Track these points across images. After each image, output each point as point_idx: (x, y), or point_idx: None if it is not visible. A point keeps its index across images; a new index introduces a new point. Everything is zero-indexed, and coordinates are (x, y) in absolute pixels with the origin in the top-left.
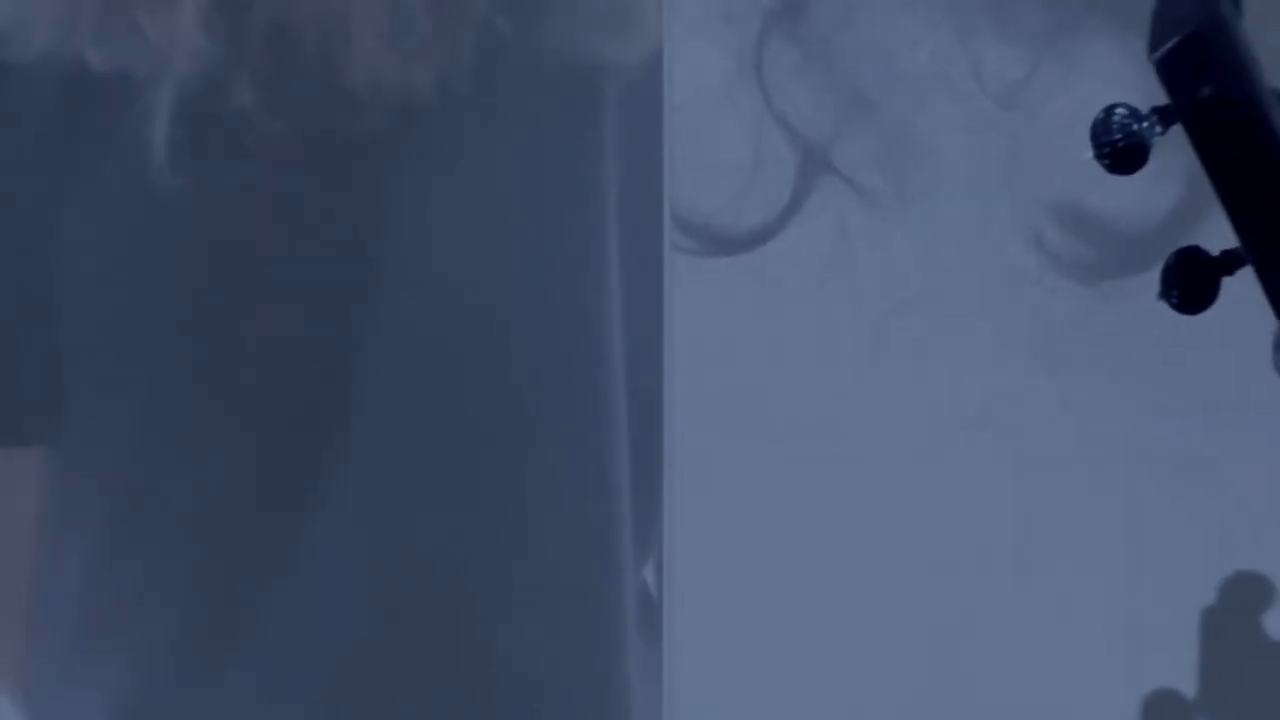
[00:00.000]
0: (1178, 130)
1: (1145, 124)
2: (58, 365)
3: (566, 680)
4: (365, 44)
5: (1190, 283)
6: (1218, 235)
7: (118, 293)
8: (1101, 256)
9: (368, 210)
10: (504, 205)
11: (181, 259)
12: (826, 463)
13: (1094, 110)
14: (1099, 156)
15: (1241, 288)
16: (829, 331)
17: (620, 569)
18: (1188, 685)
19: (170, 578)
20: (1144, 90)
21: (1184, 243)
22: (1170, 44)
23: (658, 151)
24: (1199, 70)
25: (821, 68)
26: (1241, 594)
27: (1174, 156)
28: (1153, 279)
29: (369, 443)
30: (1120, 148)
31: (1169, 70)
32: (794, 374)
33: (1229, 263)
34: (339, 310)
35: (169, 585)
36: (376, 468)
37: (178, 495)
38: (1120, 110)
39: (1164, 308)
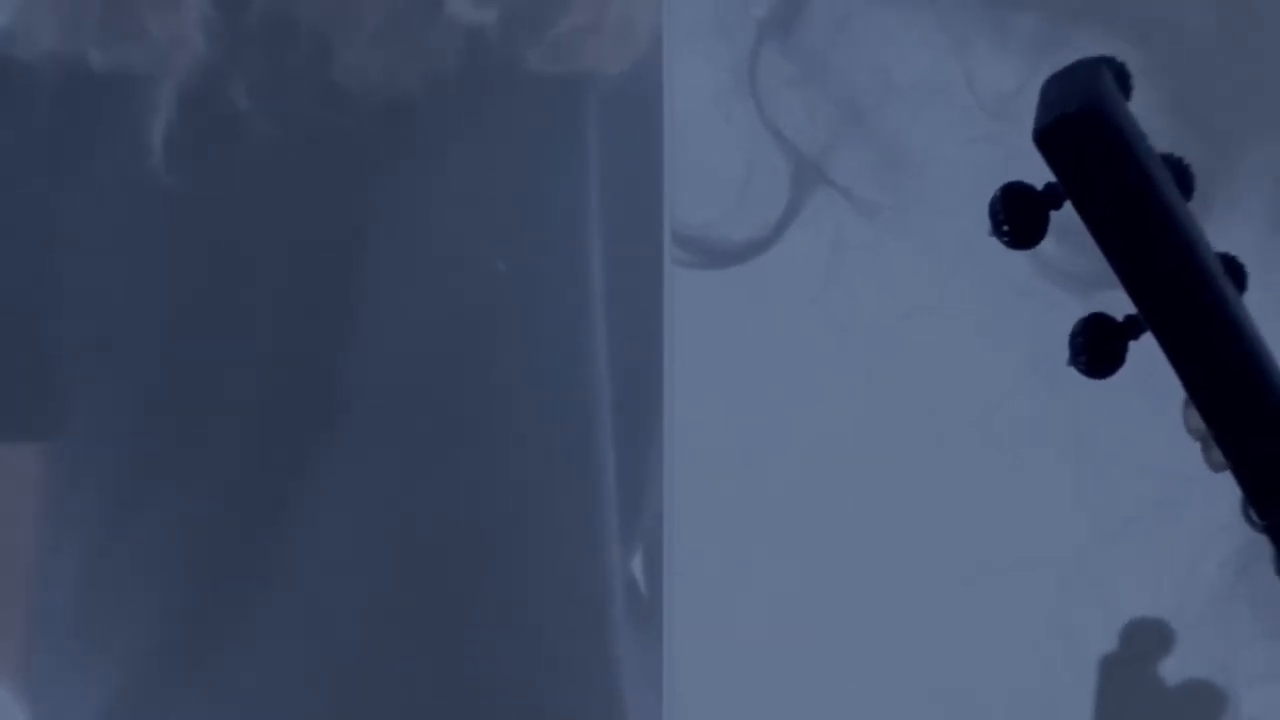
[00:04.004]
0: None
1: (1040, 200)
2: (57, 362)
3: (554, 670)
4: (357, 46)
5: (1097, 349)
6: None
7: (115, 290)
8: (1096, 266)
9: (358, 210)
10: (489, 204)
11: (178, 257)
12: (824, 470)
13: None
14: (996, 234)
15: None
16: (824, 342)
17: (606, 561)
18: (1185, 684)
19: (167, 572)
20: (1139, 96)
21: None
22: (1049, 122)
23: (652, 160)
24: (1078, 147)
25: (816, 79)
26: (1231, 589)
27: None
28: None
29: (359, 439)
30: (1017, 225)
31: (1052, 148)
32: (790, 383)
33: (1133, 328)
34: (329, 309)
35: (166, 579)
36: (366, 464)
37: (174, 490)
38: (1015, 188)
39: None
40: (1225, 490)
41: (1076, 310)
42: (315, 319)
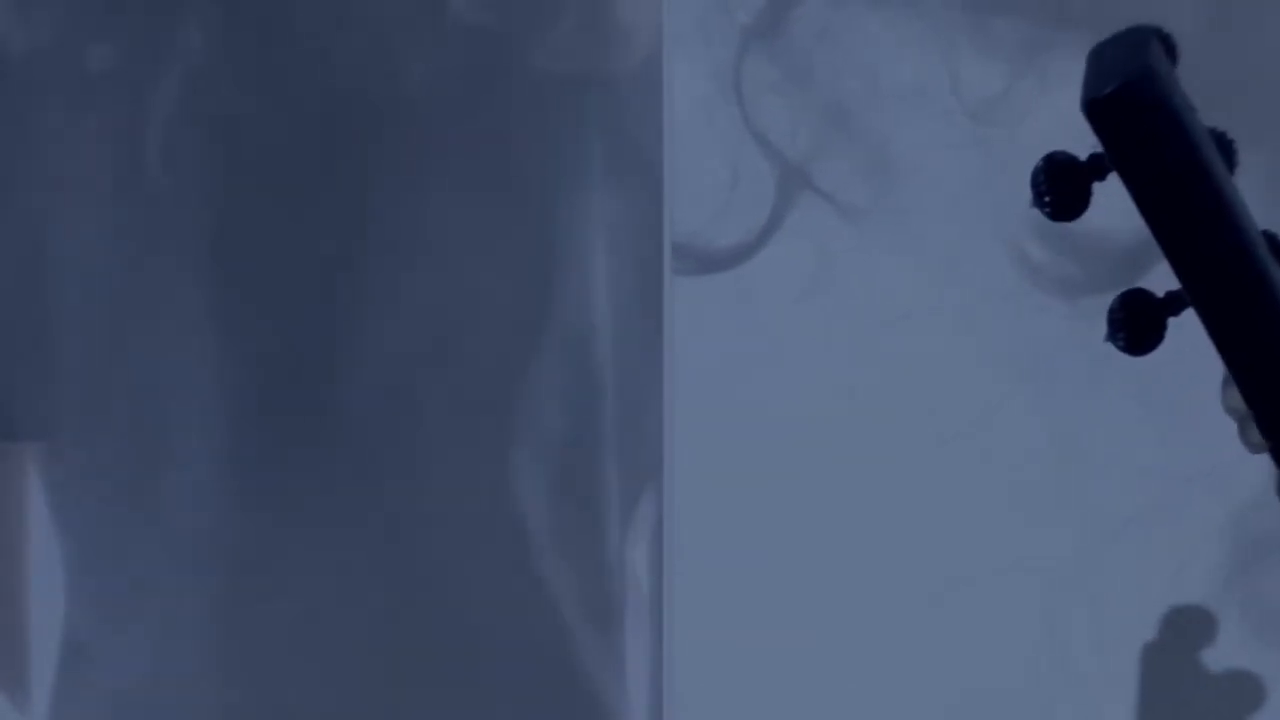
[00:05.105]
0: None
1: (1084, 171)
2: (56, 362)
3: (554, 670)
4: (358, 46)
5: (1136, 325)
6: (1166, 275)
7: (113, 289)
8: (1084, 271)
9: (357, 209)
10: (489, 204)
11: (175, 256)
12: (823, 471)
13: (1071, 125)
14: (1039, 205)
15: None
16: (820, 344)
17: (606, 561)
18: (1179, 685)
19: (165, 572)
20: None
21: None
22: (1102, 93)
23: (651, 160)
24: (1130, 119)
25: (801, 85)
26: (1221, 594)
27: None
28: None
29: (358, 438)
30: (1060, 196)
31: (1101, 119)
32: (788, 385)
33: (1174, 304)
34: (328, 308)
35: (164, 580)
36: (365, 463)
37: (174, 490)
38: (1059, 158)
39: None
40: (1221, 492)
41: (1066, 315)
42: (314, 318)
